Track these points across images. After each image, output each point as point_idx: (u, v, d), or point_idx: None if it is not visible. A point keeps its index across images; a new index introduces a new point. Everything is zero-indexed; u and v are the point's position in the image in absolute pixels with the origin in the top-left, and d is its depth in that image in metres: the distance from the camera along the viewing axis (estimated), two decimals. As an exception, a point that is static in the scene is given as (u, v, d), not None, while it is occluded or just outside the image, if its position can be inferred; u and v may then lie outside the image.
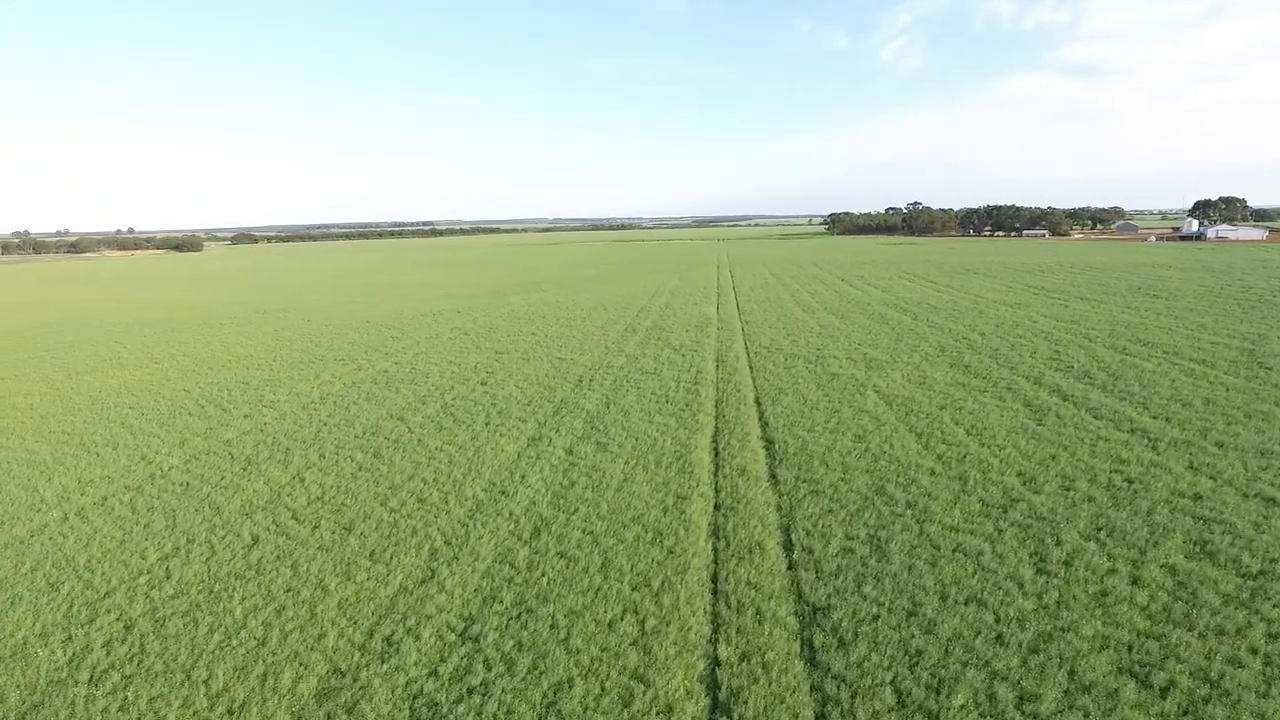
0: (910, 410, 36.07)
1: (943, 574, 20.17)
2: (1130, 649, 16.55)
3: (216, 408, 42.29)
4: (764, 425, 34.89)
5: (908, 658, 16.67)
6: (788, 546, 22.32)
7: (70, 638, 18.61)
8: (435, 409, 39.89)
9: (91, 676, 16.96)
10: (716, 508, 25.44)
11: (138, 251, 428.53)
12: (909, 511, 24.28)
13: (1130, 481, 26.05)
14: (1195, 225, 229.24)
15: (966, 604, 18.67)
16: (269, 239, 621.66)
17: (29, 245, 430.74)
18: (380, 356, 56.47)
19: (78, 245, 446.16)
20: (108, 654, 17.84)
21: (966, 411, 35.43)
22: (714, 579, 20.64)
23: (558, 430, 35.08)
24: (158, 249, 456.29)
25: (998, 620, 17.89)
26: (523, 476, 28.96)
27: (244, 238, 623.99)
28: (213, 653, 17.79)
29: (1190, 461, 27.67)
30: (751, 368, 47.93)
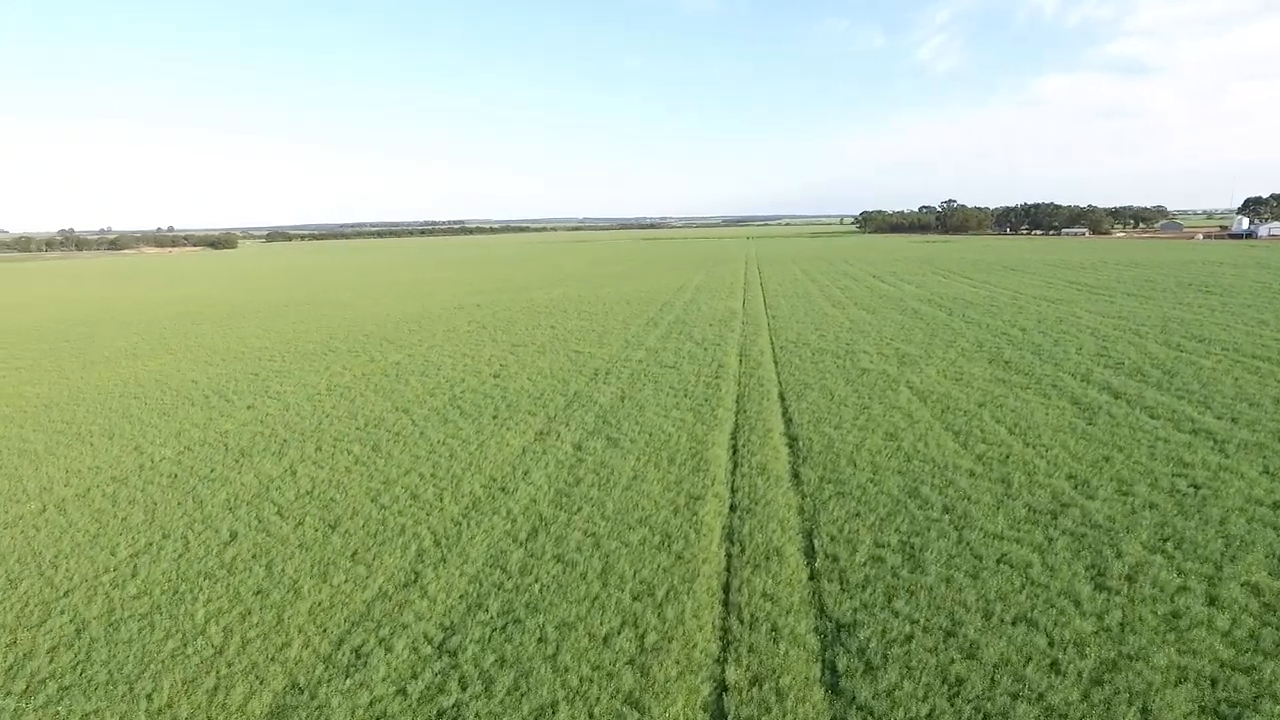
0: (947, 407, 33.47)
1: (986, 588, 17.75)
2: (1214, 684, 14.02)
3: (221, 398, 41.00)
4: (787, 421, 32.56)
5: (946, 687, 14.32)
6: (810, 554, 20.04)
7: (15, 641, 16.99)
8: (442, 401, 38.15)
9: (27, 686, 15.28)
10: (732, 509, 23.23)
11: (175, 249, 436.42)
12: (946, 517, 21.83)
13: (1197, 487, 23.28)
14: (1245, 223, 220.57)
15: (1015, 624, 16.24)
16: (302, 237, 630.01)
17: (71, 242, 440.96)
18: (394, 349, 55.01)
19: (117, 242, 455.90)
20: (50, 661, 16.16)
21: (1008, 409, 32.73)
22: (725, 589, 18.45)
23: (567, 425, 33.09)
24: (195, 246, 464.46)
25: (1052, 644, 15.45)
26: (525, 472, 27.01)
27: (278, 236, 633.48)
28: (163, 662, 16.01)
29: (1265, 465, 24.79)
30: (776, 362, 45.54)
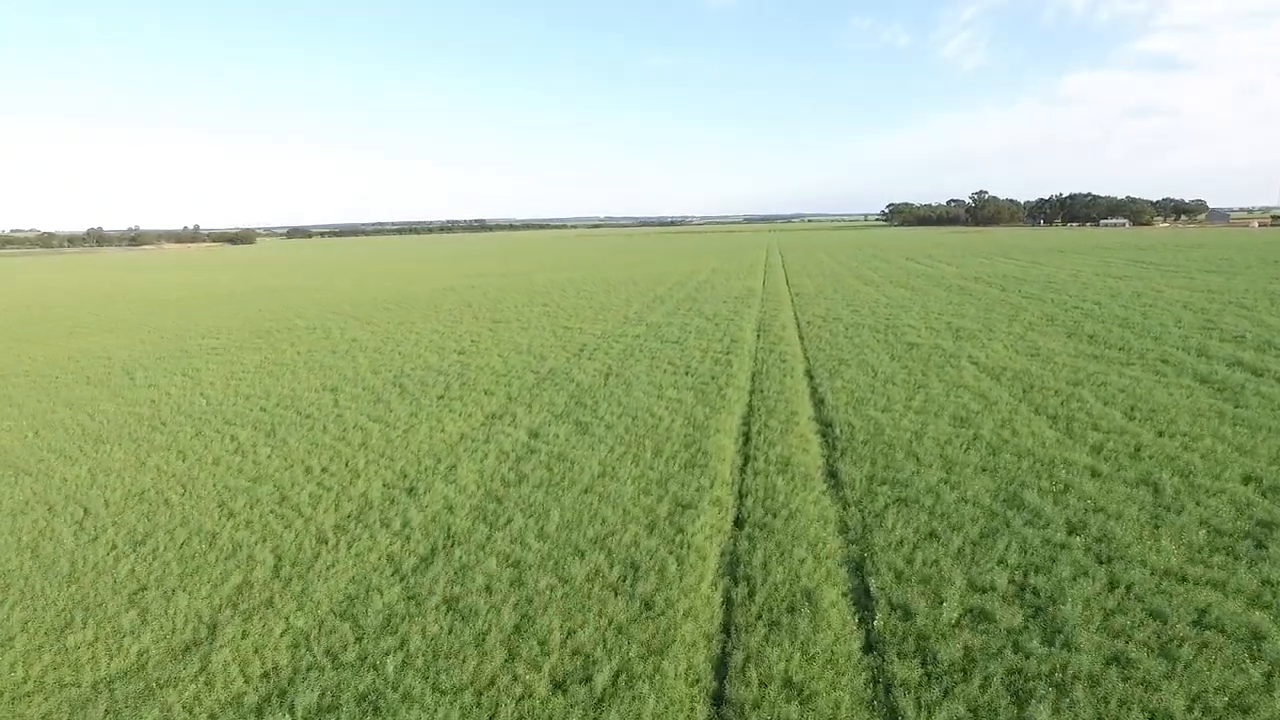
0: (1030, 386, 25.27)
1: (1195, 680, 9.73)
2: None
3: (126, 377, 33.80)
4: (818, 403, 24.59)
5: None
6: (862, 604, 12.13)
7: None
8: (384, 379, 30.61)
9: None
10: (738, 525, 15.37)
11: (194, 245, 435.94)
12: (1077, 541, 13.77)
13: None
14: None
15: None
16: (322, 234, 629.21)
17: (92, 239, 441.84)
18: (359, 326, 47.62)
19: (139, 239, 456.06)
20: None
21: (1115, 388, 24.47)
22: (718, 671, 10.61)
23: (529, 406, 25.39)
24: (214, 242, 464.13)
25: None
26: (451, 467, 19.34)
27: (298, 233, 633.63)
28: None
29: None
30: (802, 337, 37.48)
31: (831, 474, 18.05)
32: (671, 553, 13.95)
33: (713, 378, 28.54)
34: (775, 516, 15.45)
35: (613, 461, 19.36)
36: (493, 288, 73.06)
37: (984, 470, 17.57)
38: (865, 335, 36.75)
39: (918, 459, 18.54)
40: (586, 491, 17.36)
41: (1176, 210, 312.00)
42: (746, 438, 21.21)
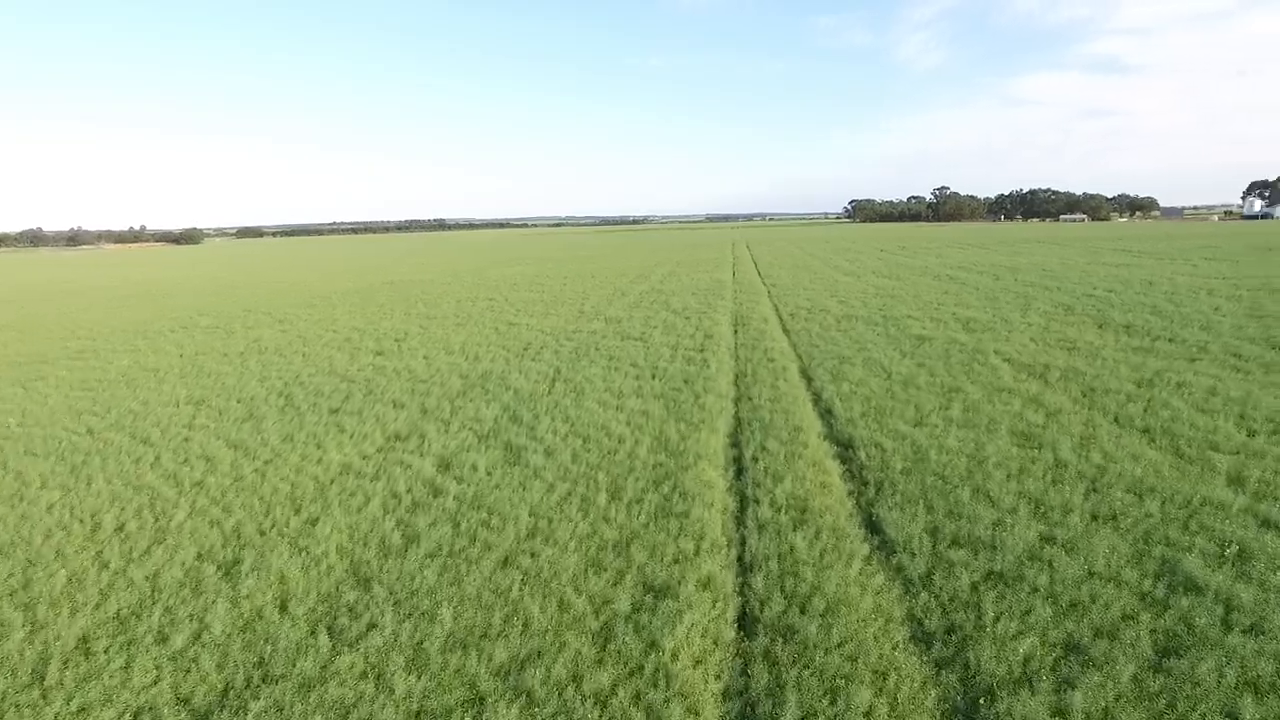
0: (1090, 388, 19.79)
1: None
2: None
3: (-54, 388, 26.64)
4: (826, 414, 18.80)
5: None
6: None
7: None
8: (269, 389, 24.08)
9: None
10: (746, 631, 9.45)
11: (135, 244, 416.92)
12: (1325, 660, 8.11)
13: None
14: (1259, 205, 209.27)
15: None
16: (274, 234, 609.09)
17: (25, 239, 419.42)
18: (270, 325, 40.65)
19: (77, 239, 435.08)
20: None
21: (1201, 391, 19.11)
22: None
23: (446, 423, 19.16)
24: (157, 242, 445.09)
25: None
26: (311, 522, 13.09)
27: (249, 232, 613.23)
28: None
29: None
30: (788, 330, 31.77)
31: (873, 527, 12.20)
32: (639, 705, 7.95)
33: (686, 381, 22.60)
34: (805, 613, 9.54)
35: (550, 509, 13.28)
36: (437, 282, 66.18)
37: (1096, 519, 11.88)
38: (861, 328, 31.15)
39: (990, 499, 12.80)
40: (506, 565, 11.26)
41: (1131, 207, 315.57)
42: (739, 467, 15.30)
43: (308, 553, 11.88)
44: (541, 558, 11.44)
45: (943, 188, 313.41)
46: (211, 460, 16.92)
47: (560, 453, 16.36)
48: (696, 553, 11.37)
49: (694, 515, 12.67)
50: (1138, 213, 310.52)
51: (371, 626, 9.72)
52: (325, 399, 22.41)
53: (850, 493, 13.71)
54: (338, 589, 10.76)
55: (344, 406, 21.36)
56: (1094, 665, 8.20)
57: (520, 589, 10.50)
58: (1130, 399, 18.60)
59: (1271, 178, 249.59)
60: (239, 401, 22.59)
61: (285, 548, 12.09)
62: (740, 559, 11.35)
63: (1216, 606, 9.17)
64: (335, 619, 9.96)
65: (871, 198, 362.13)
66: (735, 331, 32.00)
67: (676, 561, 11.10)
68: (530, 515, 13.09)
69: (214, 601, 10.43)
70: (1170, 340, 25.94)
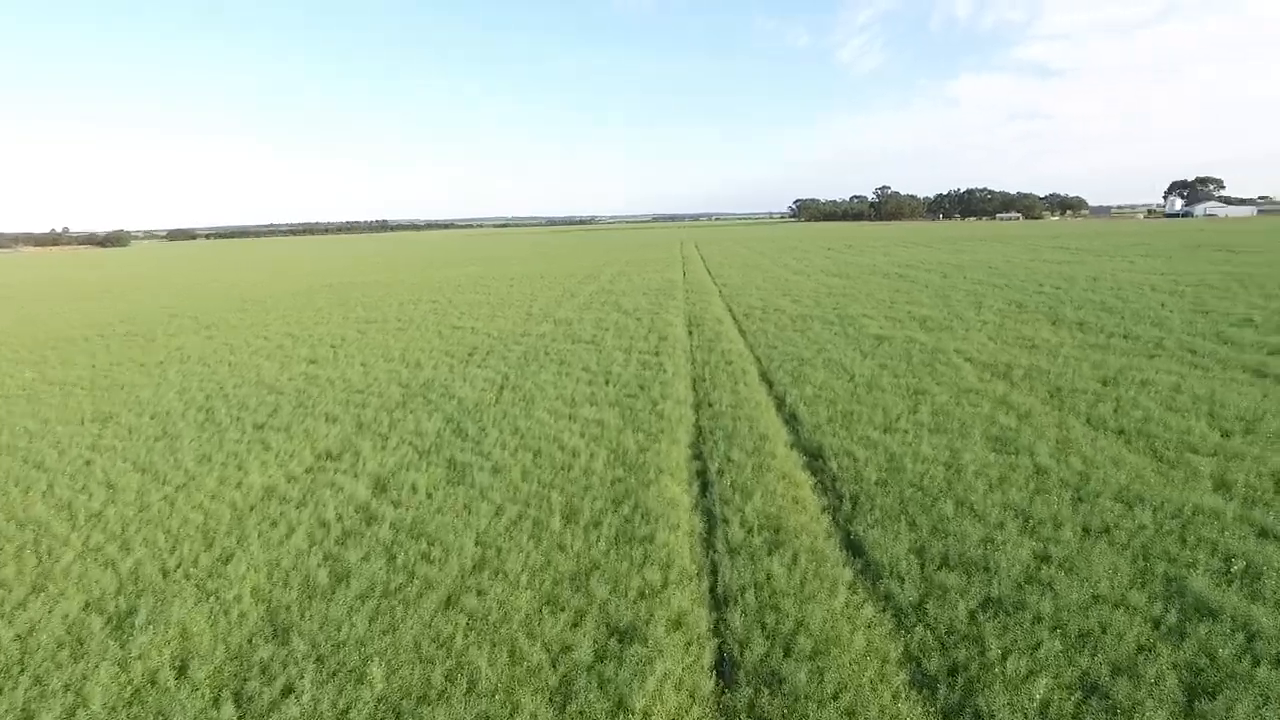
0: (1056, 388, 19.30)
1: None
2: None
3: None
4: (790, 420, 17.85)
5: None
6: None
7: None
8: (189, 403, 22.08)
9: None
10: (726, 681, 8.30)
11: (56, 247, 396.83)
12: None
13: None
14: (1179, 204, 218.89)
15: None
16: (207, 236, 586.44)
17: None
18: (196, 331, 38.07)
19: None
20: None
21: (1165, 389, 18.78)
22: None
23: (383, 438, 17.60)
24: (81, 244, 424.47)
25: None
26: (225, 559, 11.50)
27: (180, 234, 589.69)
28: None
29: None
30: (743, 331, 30.89)
31: (854, 548, 11.21)
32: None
33: (642, 387, 21.44)
34: (790, 655, 8.46)
35: (498, 537, 11.95)
36: (378, 283, 63.64)
37: (1089, 532, 11.12)
38: (818, 328, 30.47)
39: (975, 513, 11.96)
40: (448, 607, 9.91)
41: (1062, 206, 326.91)
42: (704, 482, 14.19)
43: (217, 598, 10.31)
44: (490, 596, 10.12)
45: (884, 187, 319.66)
46: (114, 487, 15.05)
47: (509, 469, 15.00)
48: (664, 585, 10.19)
49: (659, 540, 11.50)
50: (1068, 211, 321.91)
51: (288, 692, 8.26)
52: (250, 413, 20.55)
53: (825, 508, 12.71)
54: (250, 643, 9.25)
55: (270, 421, 19.55)
56: (1120, 713, 7.29)
57: (465, 636, 9.16)
58: (1099, 399, 18.13)
59: (1189, 178, 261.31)
60: (153, 418, 20.56)
61: (191, 592, 10.50)
62: (713, 590, 10.22)
63: (1237, 634, 8.40)
64: (245, 682, 8.47)
65: (816, 197, 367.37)
66: (690, 333, 30.98)
67: (643, 596, 9.91)
68: (476, 544, 11.74)
69: (97, 666, 8.82)
70: (1125, 337, 25.86)
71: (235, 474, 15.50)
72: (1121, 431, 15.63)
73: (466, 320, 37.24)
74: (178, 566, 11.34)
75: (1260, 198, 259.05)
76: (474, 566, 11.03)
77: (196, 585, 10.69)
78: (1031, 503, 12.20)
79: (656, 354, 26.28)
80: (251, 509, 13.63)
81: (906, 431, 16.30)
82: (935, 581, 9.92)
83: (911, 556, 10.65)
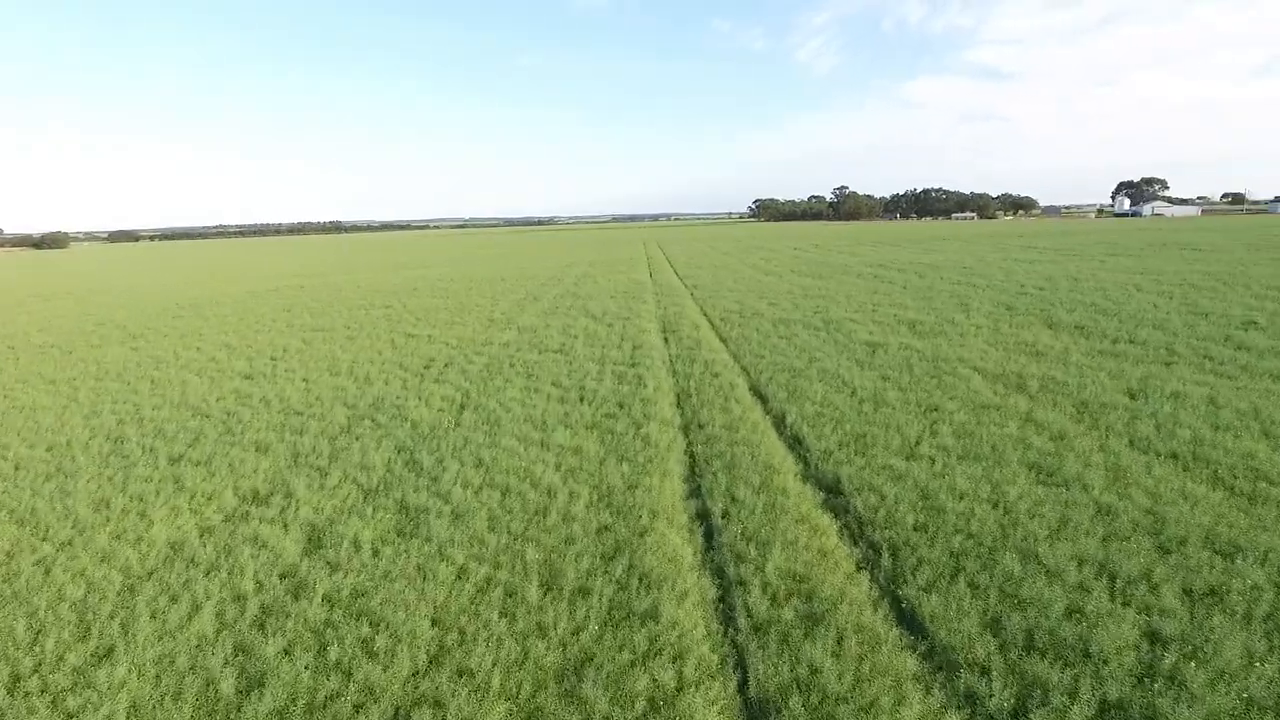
0: (1082, 403, 17.44)
1: None
2: None
3: None
4: (794, 444, 15.67)
5: None
6: None
7: None
8: (95, 430, 19.02)
9: None
10: None
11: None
12: None
13: None
14: (1127, 204, 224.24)
15: None
16: (151, 237, 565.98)
17: None
18: (122, 342, 34.54)
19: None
20: None
21: (1203, 401, 17.06)
22: None
23: (323, 474, 14.92)
24: (15, 246, 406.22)
25: None
26: (104, 654, 8.79)
27: (123, 235, 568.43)
28: None
29: None
30: (724, 339, 28.72)
31: (909, 622, 9.00)
32: None
33: (621, 405, 19.08)
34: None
35: (461, 613, 9.47)
36: (328, 287, 60.08)
37: (1192, 596, 9.08)
38: (803, 334, 28.45)
39: (1045, 569, 9.85)
40: (395, 730, 7.43)
41: (1014, 205, 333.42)
42: (708, 527, 11.89)
43: (79, 723, 7.65)
44: (451, 710, 7.65)
45: (842, 187, 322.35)
46: (-22, 546, 12.15)
47: (473, 515, 12.50)
48: (679, 687, 7.85)
49: (665, 615, 9.15)
50: (1020, 211, 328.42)
51: None
52: (167, 442, 17.64)
53: (861, 563, 10.51)
54: (115, 801, 6.66)
55: (189, 453, 16.70)
56: None
57: (418, 783, 6.69)
58: (1134, 415, 16.30)
59: (1135, 179, 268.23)
60: (49, 449, 17.52)
61: (43, 715, 7.82)
62: (744, 693, 7.91)
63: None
64: None
65: (775, 197, 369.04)
66: (666, 340, 28.71)
67: (655, 708, 7.56)
68: (434, 625, 9.26)
69: None
70: (1131, 342, 24.30)
71: (136, 525, 12.72)
72: (1175, 456, 13.75)
73: (423, 328, 34.39)
74: (33, 671, 8.62)
75: (1199, 198, 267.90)
76: (430, 661, 8.55)
77: (51, 704, 8.00)
78: (1109, 554, 10.16)
79: (633, 365, 23.92)
80: (150, 575, 10.92)
81: (932, 459, 14.21)
82: (1028, 675, 7.75)
83: (986, 635, 8.48)
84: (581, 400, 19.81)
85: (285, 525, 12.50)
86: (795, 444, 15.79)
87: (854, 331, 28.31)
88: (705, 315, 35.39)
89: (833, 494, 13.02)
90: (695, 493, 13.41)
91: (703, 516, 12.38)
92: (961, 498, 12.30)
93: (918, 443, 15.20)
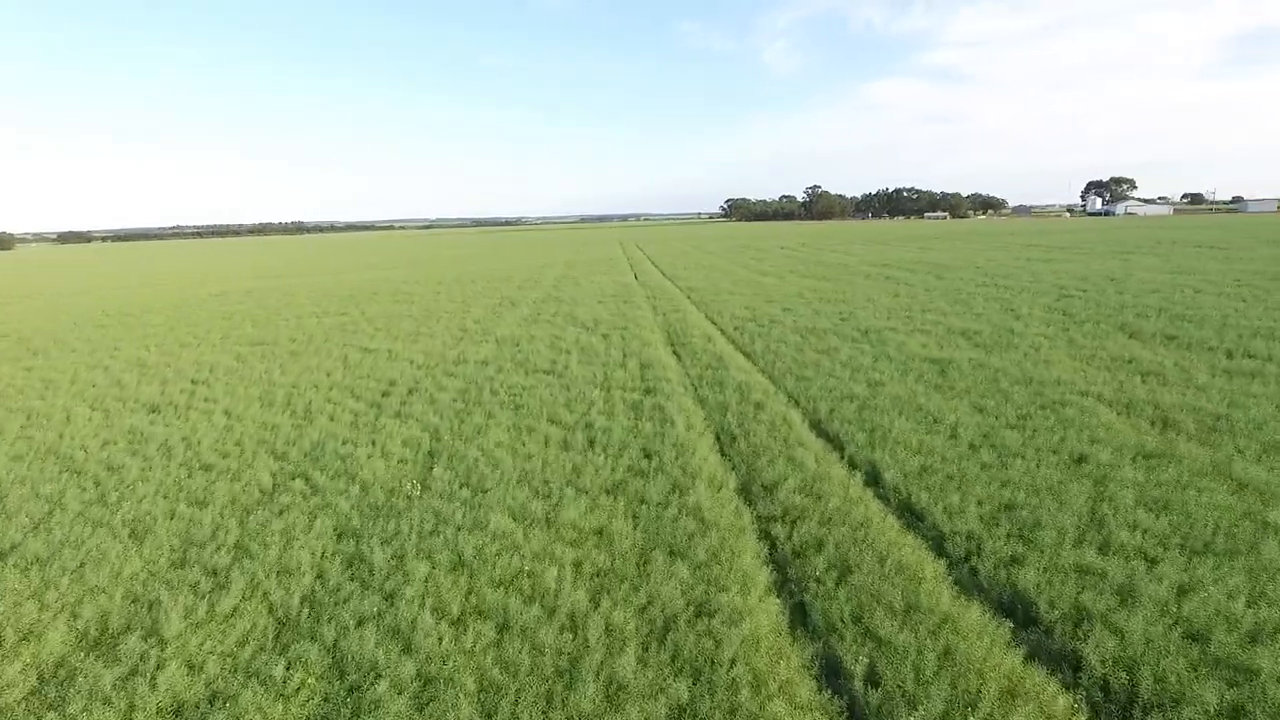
0: (1271, 450, 12.96)
1: None
2: None
3: None
4: (915, 523, 10.88)
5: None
6: None
7: None
8: (-89, 499, 13.56)
9: None
10: None
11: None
12: None
13: None
14: (1099, 203, 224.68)
15: None
16: (104, 238, 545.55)
17: None
18: (16, 358, 28.67)
19: None
20: None
21: None
22: None
23: (221, 586, 9.75)
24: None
25: None
26: None
27: (73, 236, 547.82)
28: None
29: None
30: (747, 354, 23.93)
31: None
32: None
33: (647, 454, 14.15)
34: None
35: None
36: (279, 291, 54.11)
37: None
38: (844, 347, 23.75)
39: None
40: None
41: (985, 205, 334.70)
42: (849, 700, 7.04)
43: None
44: None
45: (814, 187, 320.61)
46: None
47: (454, 684, 7.48)
48: None
49: None
50: (990, 210, 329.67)
51: None
52: (13, 515, 12.30)
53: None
54: None
55: (27, 543, 11.39)
56: None
57: None
58: (1366, 470, 11.81)
59: (1105, 178, 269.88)
60: None
61: None
62: None
63: None
64: None
65: (746, 197, 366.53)
66: (677, 356, 23.85)
67: None
68: None
69: None
70: (1251, 356, 19.99)
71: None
72: None
73: (382, 340, 29.07)
74: None
75: (1159, 198, 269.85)
76: None
77: None
78: None
79: (648, 391, 18.99)
80: None
81: (1141, 551, 9.50)
82: None
83: None
84: (592, 446, 14.83)
85: (132, 709, 7.36)
86: (916, 521, 11.01)
87: (903, 344, 23.69)
88: (714, 323, 30.58)
89: (1023, 625, 8.23)
90: (803, 619, 8.55)
91: (830, 668, 7.53)
92: (1225, 621, 7.61)
93: (1099, 521, 10.51)
